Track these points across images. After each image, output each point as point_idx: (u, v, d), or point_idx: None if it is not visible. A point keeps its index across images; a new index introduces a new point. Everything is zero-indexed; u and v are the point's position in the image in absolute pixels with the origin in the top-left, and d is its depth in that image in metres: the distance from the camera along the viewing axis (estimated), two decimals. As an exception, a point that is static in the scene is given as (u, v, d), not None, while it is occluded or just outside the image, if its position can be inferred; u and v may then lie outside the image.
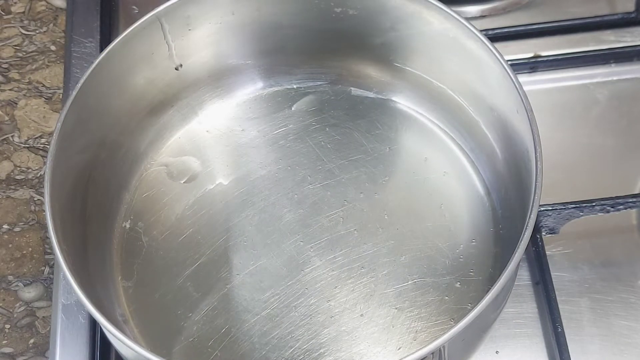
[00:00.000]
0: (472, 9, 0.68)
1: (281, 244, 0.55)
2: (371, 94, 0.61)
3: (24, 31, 0.83)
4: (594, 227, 0.56)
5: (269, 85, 0.62)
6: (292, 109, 0.61)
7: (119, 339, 0.42)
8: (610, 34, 0.65)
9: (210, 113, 0.61)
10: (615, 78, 0.64)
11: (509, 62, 0.50)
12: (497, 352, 0.52)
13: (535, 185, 0.44)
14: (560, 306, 0.51)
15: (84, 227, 0.52)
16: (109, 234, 0.55)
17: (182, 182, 0.58)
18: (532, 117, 0.47)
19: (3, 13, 0.84)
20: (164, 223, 0.56)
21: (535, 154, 0.45)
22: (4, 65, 0.84)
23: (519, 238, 0.43)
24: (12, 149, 0.80)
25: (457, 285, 0.52)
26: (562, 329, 0.50)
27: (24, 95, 0.83)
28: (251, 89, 0.62)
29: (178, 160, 0.59)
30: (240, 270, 0.54)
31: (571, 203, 0.52)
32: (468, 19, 0.51)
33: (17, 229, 0.75)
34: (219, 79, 0.60)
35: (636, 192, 0.57)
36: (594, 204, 0.52)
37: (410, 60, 0.58)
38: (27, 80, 0.83)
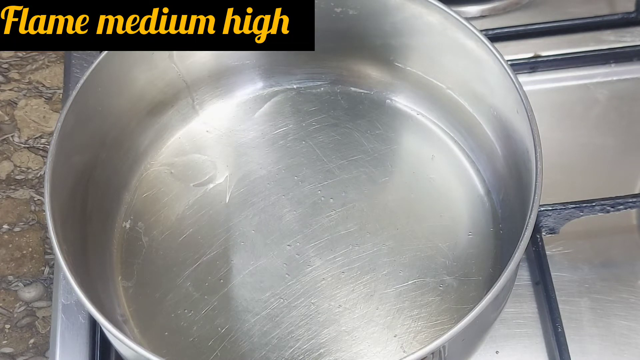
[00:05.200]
0: (472, 9, 0.68)
1: (281, 244, 0.55)
2: (371, 94, 0.61)
3: (24, 31, 0.83)
4: (594, 227, 0.56)
5: (269, 85, 0.62)
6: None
7: (119, 339, 0.42)
8: (610, 34, 0.65)
9: (210, 113, 0.61)
10: (615, 78, 0.64)
11: (509, 62, 0.50)
12: (497, 352, 0.52)
13: (535, 185, 0.44)
14: (560, 306, 0.51)
15: (84, 227, 0.52)
16: (109, 234, 0.55)
17: (182, 182, 0.58)
18: (532, 117, 0.47)
19: (3, 13, 0.84)
20: (164, 223, 0.56)
21: (535, 154, 0.45)
22: (4, 65, 0.84)
23: (519, 238, 0.43)
24: (12, 149, 0.80)
25: (457, 285, 0.52)
26: (562, 329, 0.50)
27: (24, 95, 0.83)
28: (251, 89, 0.62)
29: (178, 161, 0.59)
30: (240, 270, 0.54)
31: (571, 203, 0.52)
32: (468, 19, 0.51)
33: (17, 229, 0.75)
34: (219, 79, 0.60)
35: (636, 192, 0.57)
36: (594, 204, 0.52)
37: (410, 60, 0.58)
38: (27, 80, 0.83)
